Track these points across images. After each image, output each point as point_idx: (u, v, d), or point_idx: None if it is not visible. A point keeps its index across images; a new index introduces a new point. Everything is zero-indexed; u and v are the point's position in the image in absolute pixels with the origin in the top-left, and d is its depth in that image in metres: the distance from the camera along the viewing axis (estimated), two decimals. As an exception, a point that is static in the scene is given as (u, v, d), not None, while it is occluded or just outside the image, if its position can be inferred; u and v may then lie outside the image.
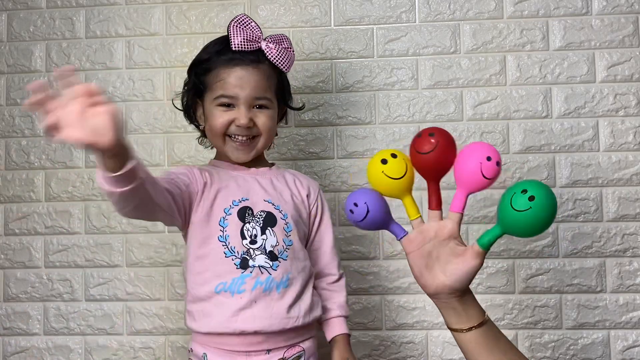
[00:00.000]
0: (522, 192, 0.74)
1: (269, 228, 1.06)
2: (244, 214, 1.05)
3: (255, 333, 1.00)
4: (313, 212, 1.15)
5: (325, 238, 1.15)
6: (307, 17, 1.42)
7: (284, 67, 1.09)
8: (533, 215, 0.73)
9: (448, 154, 0.80)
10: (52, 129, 0.74)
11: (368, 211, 0.80)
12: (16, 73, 1.45)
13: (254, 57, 1.07)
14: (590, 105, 1.36)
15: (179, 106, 1.18)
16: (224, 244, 1.03)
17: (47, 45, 1.45)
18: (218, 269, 1.02)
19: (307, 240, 1.15)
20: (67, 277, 1.41)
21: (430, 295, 0.81)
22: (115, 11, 1.44)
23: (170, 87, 1.42)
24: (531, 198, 0.73)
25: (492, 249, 1.36)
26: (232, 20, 1.08)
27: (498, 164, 0.79)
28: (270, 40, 1.09)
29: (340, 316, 1.12)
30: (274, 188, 1.11)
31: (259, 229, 1.05)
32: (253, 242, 1.04)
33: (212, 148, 1.19)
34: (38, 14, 1.46)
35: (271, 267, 1.03)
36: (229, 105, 1.06)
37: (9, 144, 1.44)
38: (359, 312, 1.37)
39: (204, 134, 1.17)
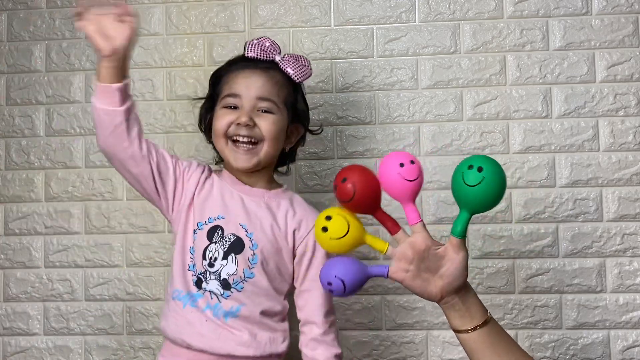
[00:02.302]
0: (468, 168, 0.76)
1: (232, 254, 1.02)
2: (213, 233, 1.03)
3: (202, 351, 0.98)
4: (299, 251, 1.06)
5: (316, 283, 0.99)
6: (307, 17, 1.42)
7: (297, 77, 1.07)
8: (488, 185, 0.76)
9: (370, 187, 0.80)
10: (79, 16, 0.93)
11: (344, 283, 0.80)
12: (16, 73, 1.45)
13: (266, 65, 1.07)
14: (590, 105, 1.36)
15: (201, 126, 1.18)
16: (191, 257, 1.03)
17: (47, 45, 1.45)
18: (182, 277, 1.02)
19: (295, 279, 1.08)
20: (67, 277, 1.41)
21: (438, 302, 0.83)
22: (115, 11, 1.44)
23: (170, 87, 1.42)
24: (479, 169, 0.76)
25: (492, 249, 1.37)
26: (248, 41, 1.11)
27: (412, 162, 0.80)
28: (287, 55, 1.10)
29: None
30: (255, 213, 1.05)
31: (221, 252, 1.02)
32: (211, 265, 1.02)
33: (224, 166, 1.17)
34: (38, 14, 1.46)
35: (222, 294, 1.01)
36: (234, 108, 1.05)
37: (9, 144, 1.44)
38: (359, 312, 1.37)
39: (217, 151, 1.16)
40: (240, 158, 1.05)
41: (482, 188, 0.75)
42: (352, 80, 1.40)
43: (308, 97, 1.39)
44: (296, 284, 1.08)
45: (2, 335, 1.41)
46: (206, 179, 1.08)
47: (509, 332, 1.32)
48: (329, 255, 1.07)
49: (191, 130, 1.41)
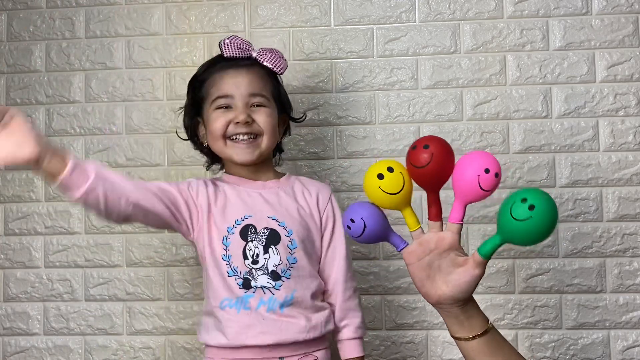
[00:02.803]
0: (521, 200, 0.72)
1: (272, 246, 1.04)
2: (247, 232, 1.04)
3: (268, 346, 1.01)
4: (324, 220, 1.11)
5: (338, 252, 1.11)
6: (307, 17, 1.42)
7: (277, 69, 1.11)
8: (534, 225, 0.71)
9: (445, 165, 0.78)
10: None
11: (365, 226, 0.79)
12: (16, 73, 1.45)
13: (247, 62, 1.10)
14: (590, 105, 1.36)
15: (184, 136, 1.18)
16: (227, 263, 1.03)
17: (47, 45, 1.45)
18: (223, 286, 1.03)
19: (321, 253, 1.11)
20: (67, 277, 1.41)
21: (433, 305, 0.81)
22: (115, 11, 1.44)
23: (170, 87, 1.42)
24: (531, 207, 0.71)
25: (492, 249, 1.36)
26: (222, 39, 1.11)
27: (497, 175, 0.77)
28: (261, 49, 1.12)
29: (355, 338, 1.09)
30: (279, 203, 1.08)
31: (261, 247, 1.04)
32: (255, 262, 1.03)
33: (220, 170, 1.19)
34: (38, 14, 1.46)
35: (274, 287, 1.02)
36: (226, 108, 1.07)
37: (9, 144, 1.44)
38: (359, 312, 1.37)
39: (210, 155, 1.17)
40: (241, 152, 1.07)
41: (524, 225, 0.72)
42: (352, 80, 1.40)
43: (308, 97, 1.40)
44: (320, 254, 1.11)
45: (2, 335, 1.41)
46: (215, 189, 1.09)
47: (509, 332, 1.33)
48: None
49: (191, 130, 1.41)
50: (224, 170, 1.18)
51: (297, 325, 1.01)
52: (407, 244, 0.81)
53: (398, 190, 0.79)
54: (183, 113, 1.18)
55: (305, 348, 1.03)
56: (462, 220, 0.79)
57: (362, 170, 1.38)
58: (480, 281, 1.35)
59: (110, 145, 1.43)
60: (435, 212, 0.81)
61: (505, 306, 1.35)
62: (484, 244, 0.77)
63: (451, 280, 0.78)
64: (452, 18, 1.40)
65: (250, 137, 1.07)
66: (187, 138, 1.18)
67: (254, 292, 1.02)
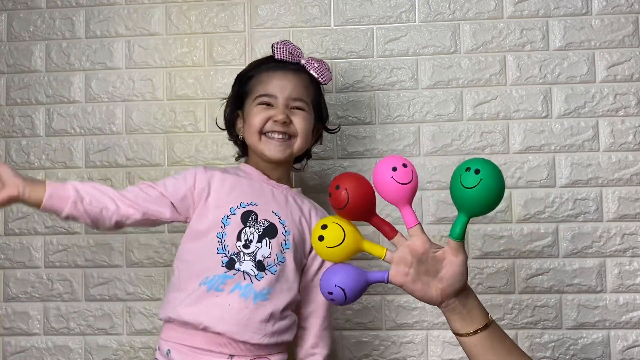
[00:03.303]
0: (466, 170, 0.76)
1: (266, 238, 1.06)
2: (248, 217, 1.06)
3: (219, 334, 1.00)
4: None
5: None
6: (307, 17, 1.42)
7: (322, 79, 1.14)
8: (485, 187, 0.75)
9: (364, 193, 0.81)
10: None
11: (344, 290, 0.80)
12: (16, 73, 1.45)
13: (295, 67, 1.13)
14: (590, 105, 1.36)
15: (221, 125, 1.22)
16: (219, 240, 1.04)
17: (47, 45, 1.45)
18: (206, 264, 1.03)
19: (306, 273, 1.13)
20: (67, 277, 1.41)
21: (439, 305, 0.82)
22: (115, 11, 1.44)
23: (170, 87, 1.42)
24: (477, 171, 0.75)
25: (492, 249, 1.37)
26: (274, 43, 1.15)
27: (405, 165, 0.80)
28: (310, 58, 1.15)
29: None
30: (286, 204, 1.11)
31: (256, 235, 1.05)
32: (246, 246, 1.04)
33: (246, 162, 1.21)
34: (38, 14, 1.46)
35: (255, 276, 1.03)
36: (268, 105, 1.10)
37: (9, 144, 1.44)
38: (359, 312, 1.37)
39: (242, 148, 1.20)
40: (274, 149, 1.10)
41: (479, 190, 0.74)
42: (352, 80, 1.40)
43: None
44: (306, 277, 1.13)
45: (2, 335, 1.41)
46: (223, 173, 1.11)
47: (508, 332, 1.33)
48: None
49: (191, 130, 1.41)
50: (244, 160, 1.21)
51: (257, 326, 1.01)
52: (388, 272, 0.82)
53: (342, 239, 0.81)
54: (225, 104, 1.21)
55: (259, 350, 1.03)
56: (417, 220, 0.81)
57: (362, 170, 1.38)
58: (480, 281, 1.36)
59: (110, 145, 1.43)
60: (388, 230, 0.83)
61: (505, 306, 1.35)
62: (452, 227, 0.79)
63: (443, 276, 0.80)
64: (452, 18, 1.40)
65: (285, 137, 1.10)
66: (224, 128, 1.21)
67: (234, 275, 1.02)
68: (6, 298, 1.42)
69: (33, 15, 1.46)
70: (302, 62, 1.14)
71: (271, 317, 1.03)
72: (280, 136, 1.10)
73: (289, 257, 1.07)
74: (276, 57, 1.13)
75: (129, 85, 1.43)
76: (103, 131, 1.43)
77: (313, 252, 1.12)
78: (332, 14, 1.42)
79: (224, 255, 1.03)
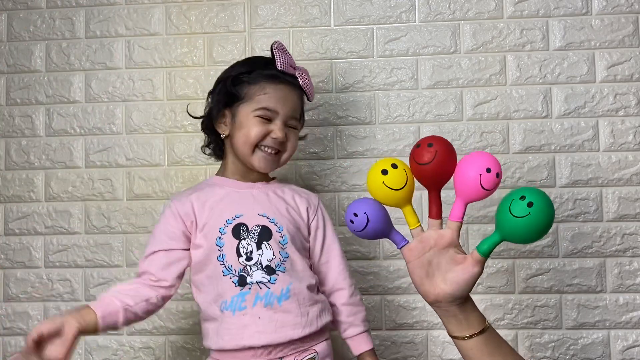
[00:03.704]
0: (520, 198, 0.74)
1: (264, 242, 1.06)
2: (239, 231, 1.06)
3: (263, 347, 1.01)
4: (313, 225, 1.15)
5: (333, 251, 1.15)
6: (307, 17, 1.42)
7: (311, 96, 1.16)
8: (532, 222, 0.73)
9: (448, 163, 0.80)
10: None
11: (368, 221, 0.80)
12: (16, 73, 1.45)
13: (293, 79, 1.12)
14: (590, 105, 1.36)
15: (196, 114, 1.21)
16: (222, 263, 1.05)
17: (47, 45, 1.45)
18: (219, 288, 1.04)
19: (312, 255, 1.14)
20: (67, 277, 1.41)
21: (431, 304, 0.81)
22: (115, 11, 1.44)
23: (170, 87, 1.42)
24: (530, 204, 0.73)
25: (492, 249, 1.36)
26: (274, 44, 1.12)
27: (498, 175, 0.78)
28: (300, 69, 1.14)
29: (364, 332, 1.13)
30: (269, 201, 1.12)
31: (254, 244, 1.06)
32: (249, 258, 1.05)
33: (215, 159, 1.20)
34: (38, 14, 1.46)
35: (269, 281, 1.03)
36: (267, 119, 1.09)
37: (9, 144, 1.44)
38: (359, 312, 1.37)
39: (216, 144, 1.18)
40: (264, 163, 1.11)
41: (524, 222, 0.73)
42: (352, 80, 1.40)
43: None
44: (313, 259, 1.14)
45: (2, 335, 1.41)
46: (198, 197, 1.10)
47: (509, 332, 1.33)
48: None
49: (191, 131, 1.41)
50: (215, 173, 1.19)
51: (293, 323, 1.02)
52: (408, 242, 0.82)
53: (401, 187, 0.80)
54: (212, 97, 1.16)
55: (303, 344, 1.04)
56: (462, 218, 0.80)
57: (362, 170, 1.38)
58: (480, 281, 1.36)
59: (110, 145, 1.43)
60: (436, 210, 0.82)
61: (505, 306, 1.35)
62: (483, 242, 0.77)
63: (450, 278, 0.78)
64: (452, 18, 1.40)
65: (275, 151, 1.11)
66: (198, 117, 1.19)
67: (249, 289, 1.03)
68: (6, 298, 1.42)
69: (33, 15, 1.46)
70: (297, 74, 1.13)
71: (302, 308, 1.04)
72: (273, 151, 1.10)
73: (291, 249, 1.07)
74: (278, 66, 1.10)
75: (129, 85, 1.43)
76: (103, 131, 1.43)
77: (312, 233, 1.14)
78: (332, 14, 1.42)
79: (232, 275, 1.04)
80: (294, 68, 1.13)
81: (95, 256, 1.41)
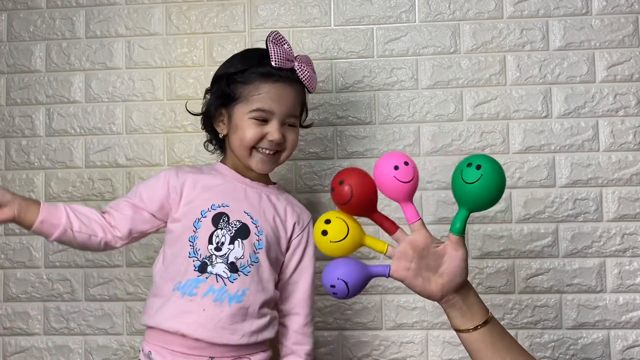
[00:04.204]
0: (467, 165, 0.77)
1: (239, 239, 1.04)
2: (219, 219, 1.05)
3: (197, 340, 0.99)
4: (295, 242, 1.12)
5: (305, 275, 1.12)
6: (307, 17, 1.42)
7: (311, 88, 1.12)
8: (486, 182, 0.76)
9: (366, 189, 0.82)
10: None
11: (347, 284, 0.80)
12: (16, 73, 1.45)
13: (290, 74, 1.08)
14: (590, 105, 1.37)
15: (195, 110, 1.19)
16: (191, 244, 1.03)
17: (47, 45, 1.45)
18: (180, 268, 1.03)
19: (284, 270, 1.12)
20: (67, 277, 1.41)
21: (439, 300, 0.83)
22: (115, 11, 1.44)
23: (170, 87, 1.42)
24: (478, 167, 0.76)
25: (492, 249, 1.37)
26: (269, 36, 1.09)
27: (406, 163, 0.80)
28: (300, 60, 1.10)
29: None
30: (259, 203, 1.10)
31: (228, 237, 1.04)
32: (218, 249, 1.03)
33: (216, 153, 1.20)
34: (38, 14, 1.46)
35: (228, 278, 1.02)
36: (263, 121, 1.07)
37: (9, 144, 1.44)
38: (359, 312, 1.37)
39: (217, 143, 1.17)
40: (262, 164, 1.09)
41: (479, 185, 0.76)
42: (352, 80, 1.40)
43: (308, 96, 1.40)
44: (284, 275, 1.12)
45: (2, 335, 1.41)
46: (197, 173, 1.10)
47: (509, 332, 1.33)
48: (327, 257, 1.15)
49: (191, 131, 1.41)
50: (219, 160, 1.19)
51: (234, 328, 1.00)
52: (389, 266, 0.83)
53: (345, 234, 0.82)
54: (210, 94, 1.15)
55: (239, 351, 1.02)
56: (418, 216, 0.82)
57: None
58: (480, 281, 1.36)
59: (110, 145, 1.43)
60: (389, 225, 0.84)
61: (505, 306, 1.35)
62: (453, 222, 0.80)
63: (444, 271, 0.81)
64: (452, 18, 1.40)
65: (274, 152, 1.09)
66: (197, 114, 1.18)
67: (207, 278, 1.01)
68: (6, 298, 1.42)
69: (33, 15, 1.46)
70: (295, 66, 1.08)
71: (248, 318, 1.02)
72: (271, 152, 1.09)
73: (263, 256, 1.05)
74: (273, 63, 1.06)
75: (129, 85, 1.43)
76: (103, 131, 1.43)
77: (291, 249, 1.12)
78: (332, 14, 1.42)
79: (196, 259, 1.02)
80: (292, 61, 1.08)
81: (95, 256, 1.41)
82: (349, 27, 1.42)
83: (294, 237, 1.12)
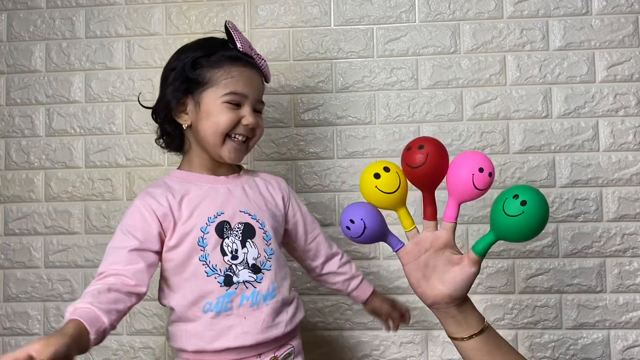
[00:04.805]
0: (513, 197, 0.73)
1: (248, 240, 1.03)
2: (222, 229, 1.02)
3: (248, 347, 0.99)
4: (291, 213, 1.13)
5: (313, 225, 1.17)
6: (307, 17, 1.42)
7: (268, 78, 1.12)
8: (526, 220, 0.72)
9: (440, 165, 0.79)
10: None
11: (365, 227, 0.79)
12: (16, 73, 1.45)
13: (253, 61, 1.07)
14: (590, 105, 1.36)
15: (147, 104, 1.11)
16: (204, 263, 1.00)
17: (47, 45, 1.45)
18: (202, 289, 0.99)
19: (297, 239, 1.15)
20: (67, 277, 1.41)
21: (429, 306, 0.81)
22: (115, 11, 1.44)
23: (170, 87, 1.42)
24: (523, 203, 0.72)
25: (492, 248, 1.36)
26: (228, 23, 1.06)
27: (490, 174, 0.77)
28: (255, 52, 1.09)
29: (363, 279, 1.19)
30: (247, 196, 1.07)
31: (238, 242, 1.02)
32: (234, 257, 1.01)
33: (171, 152, 1.12)
34: (38, 14, 1.46)
35: (255, 280, 1.01)
36: (236, 105, 1.03)
37: (9, 144, 1.44)
38: (359, 312, 1.37)
39: (175, 137, 1.09)
40: (234, 153, 1.04)
41: (518, 221, 0.73)
42: (352, 80, 1.40)
43: (308, 97, 1.40)
44: (299, 242, 1.16)
45: (2, 335, 1.41)
46: (175, 194, 1.02)
47: (509, 332, 1.33)
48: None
49: (191, 130, 1.41)
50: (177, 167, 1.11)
51: (278, 321, 1.02)
52: (404, 245, 0.81)
53: (394, 190, 0.80)
54: (165, 86, 1.06)
55: (282, 339, 1.04)
56: (456, 218, 0.80)
57: (362, 170, 1.38)
58: (480, 281, 1.36)
59: (110, 145, 1.43)
60: (431, 211, 0.81)
61: (505, 306, 1.35)
62: (478, 242, 0.77)
63: (447, 279, 0.78)
64: (452, 18, 1.40)
65: (245, 139, 1.06)
66: (149, 107, 1.10)
67: (236, 289, 0.99)
68: (6, 298, 1.42)
69: (33, 15, 1.46)
70: (254, 54, 1.07)
71: (284, 307, 1.03)
72: (244, 139, 1.05)
73: (274, 245, 1.05)
74: (239, 48, 1.04)
75: (129, 85, 1.43)
76: (103, 131, 1.43)
77: (290, 222, 1.13)
78: (332, 14, 1.42)
79: (217, 275, 1.00)
80: (252, 49, 1.08)
81: (95, 256, 1.41)
82: (349, 27, 1.42)
83: (287, 209, 1.13)
